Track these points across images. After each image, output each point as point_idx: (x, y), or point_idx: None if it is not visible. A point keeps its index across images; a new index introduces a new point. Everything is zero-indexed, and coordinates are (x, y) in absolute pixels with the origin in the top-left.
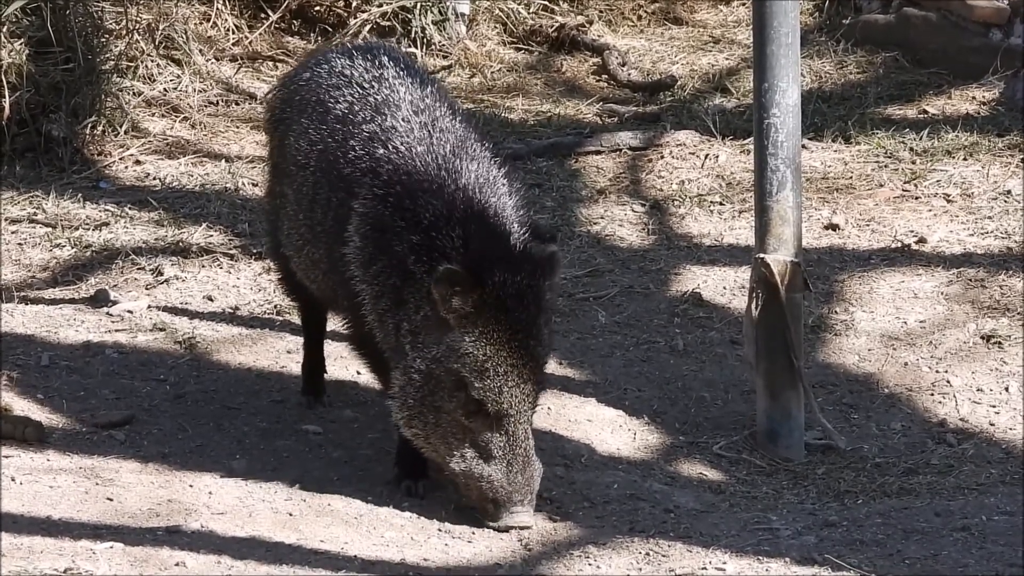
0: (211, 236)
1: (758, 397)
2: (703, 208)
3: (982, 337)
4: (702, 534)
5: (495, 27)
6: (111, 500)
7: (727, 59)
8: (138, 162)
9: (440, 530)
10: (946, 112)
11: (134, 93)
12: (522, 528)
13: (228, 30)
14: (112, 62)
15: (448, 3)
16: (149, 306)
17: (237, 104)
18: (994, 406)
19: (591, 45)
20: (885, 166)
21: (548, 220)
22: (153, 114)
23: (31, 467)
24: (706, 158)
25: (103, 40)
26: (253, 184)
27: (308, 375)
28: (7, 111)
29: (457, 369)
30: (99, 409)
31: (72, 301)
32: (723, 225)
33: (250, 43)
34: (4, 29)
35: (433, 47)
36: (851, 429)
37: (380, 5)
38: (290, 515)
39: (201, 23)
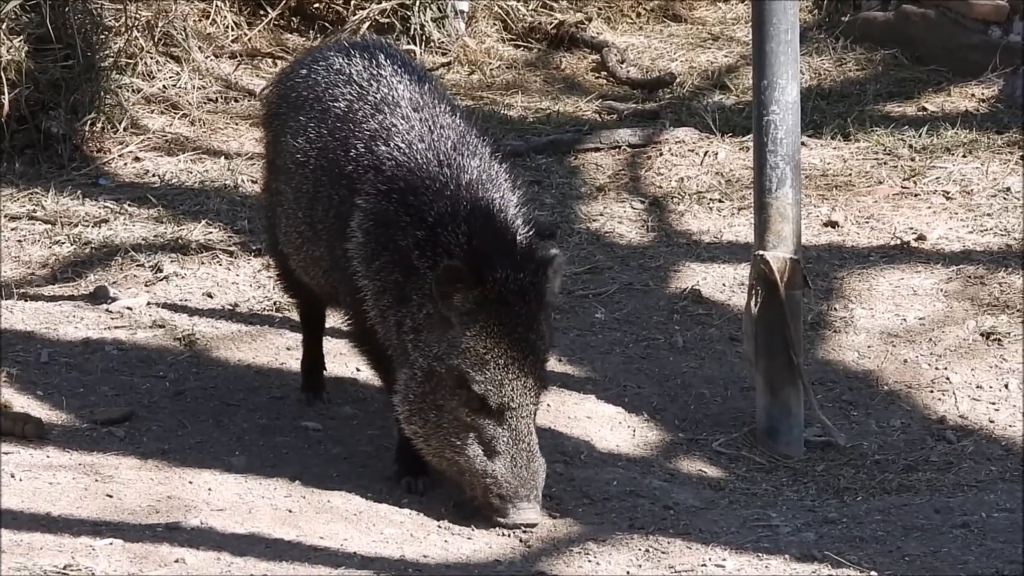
0: (210, 233)
1: (757, 394)
2: (702, 205)
3: (982, 334)
4: (701, 531)
5: (494, 24)
6: (111, 496)
7: (726, 56)
8: (137, 159)
9: (440, 527)
10: (945, 109)
11: (133, 90)
12: (528, 525)
13: (227, 27)
14: (111, 59)
15: (447, 0)
16: (148, 303)
17: (236, 101)
18: (994, 403)
19: (590, 42)
20: (884, 163)
21: (548, 217)
22: (152, 111)
23: (31, 463)
24: (705, 155)
25: (102, 37)
26: (252, 181)
27: (307, 372)
28: (6, 108)
29: (458, 365)
30: (99, 406)
31: (71, 298)
32: (722, 222)
33: (249, 40)
34: (3, 26)
35: (432, 44)
36: (851, 426)
37: (379, 2)
38: (290, 511)
39: (200, 20)
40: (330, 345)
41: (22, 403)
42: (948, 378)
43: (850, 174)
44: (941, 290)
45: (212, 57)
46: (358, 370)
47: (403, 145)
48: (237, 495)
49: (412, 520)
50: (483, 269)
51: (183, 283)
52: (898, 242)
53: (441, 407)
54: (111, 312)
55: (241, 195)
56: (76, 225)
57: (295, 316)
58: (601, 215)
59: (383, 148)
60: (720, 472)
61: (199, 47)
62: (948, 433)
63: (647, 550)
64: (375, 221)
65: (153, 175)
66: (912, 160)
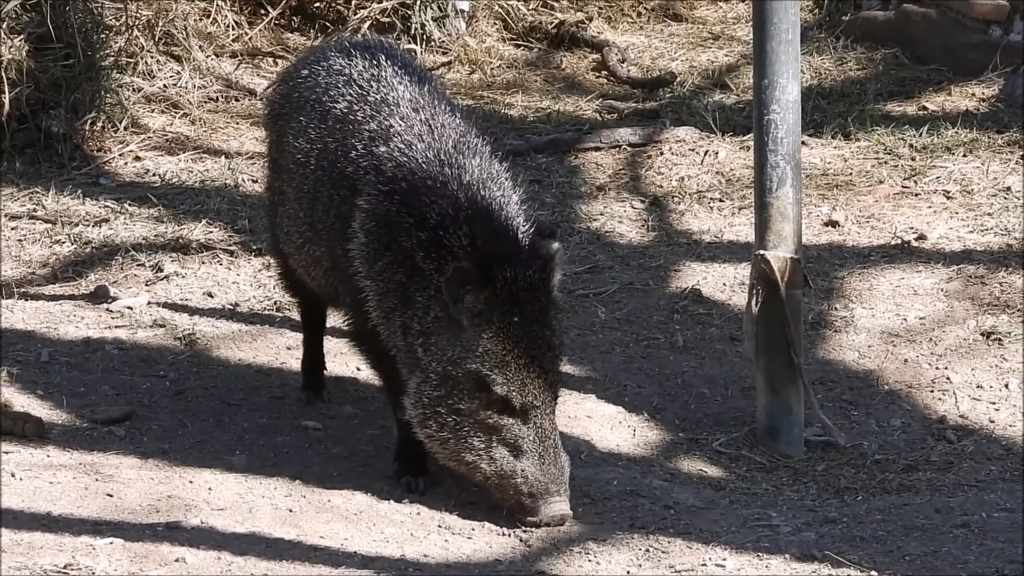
0: (211, 232)
1: (758, 393)
2: (703, 204)
3: (982, 334)
4: (702, 530)
5: (495, 23)
6: (111, 496)
7: (727, 55)
8: (138, 158)
9: (440, 526)
10: (946, 109)
11: (134, 89)
12: (563, 518)
13: (228, 26)
14: (112, 58)
15: None
16: (149, 302)
17: (237, 100)
18: (994, 403)
19: (591, 42)
20: (885, 163)
21: (548, 216)
22: (153, 110)
23: (31, 463)
24: (706, 154)
25: (103, 36)
26: (253, 180)
27: (308, 371)
28: (7, 107)
29: (476, 368)
30: (99, 405)
31: (72, 297)
32: (723, 221)
33: (250, 39)
34: (4, 25)
35: (433, 43)
36: (851, 426)
37: (380, 1)
38: (290, 511)
39: (201, 19)
40: (330, 344)
41: (22, 402)
42: (948, 378)
43: (851, 173)
44: (942, 290)
45: (213, 56)
46: (358, 369)
47: (404, 145)
48: (237, 494)
49: (412, 519)
50: (492, 269)
51: (184, 282)
52: (899, 242)
53: (460, 411)
54: (111, 311)
55: (242, 194)
56: (76, 224)
57: (295, 316)
58: (601, 214)
59: (383, 148)
60: (720, 472)
61: (200, 46)
62: (948, 433)
63: (647, 550)
64: (377, 222)
65: (154, 174)
66: (913, 159)
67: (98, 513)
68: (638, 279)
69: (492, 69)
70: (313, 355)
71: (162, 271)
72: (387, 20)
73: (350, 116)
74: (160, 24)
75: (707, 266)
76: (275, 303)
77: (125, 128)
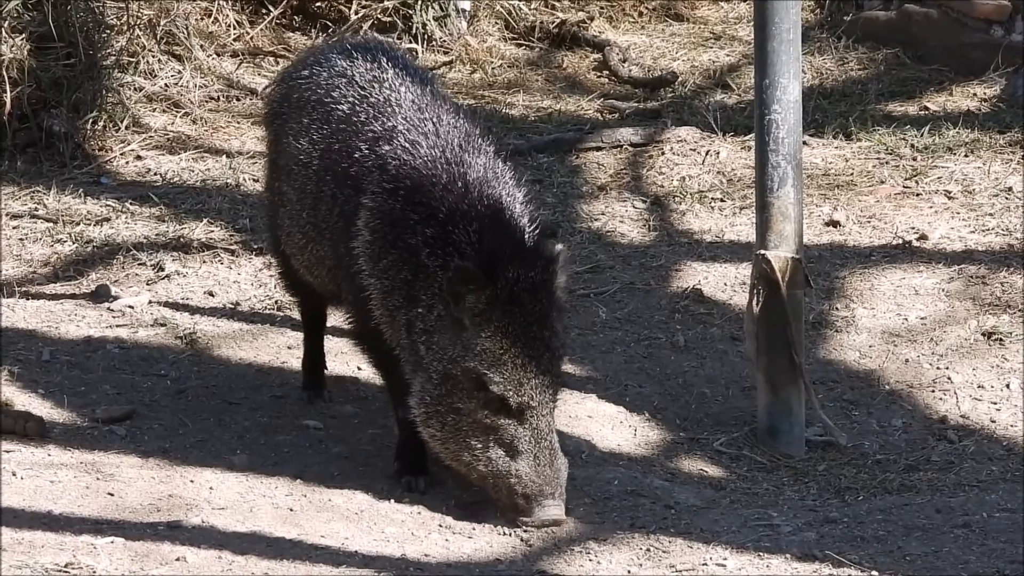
0: (212, 232)
1: (759, 393)
2: (704, 204)
3: (983, 334)
4: (703, 530)
5: (496, 23)
6: (112, 495)
7: (728, 55)
8: (139, 157)
9: (441, 526)
10: (947, 109)
11: (135, 88)
12: (556, 522)
13: (229, 26)
14: (113, 57)
15: None
16: (150, 301)
17: (238, 100)
18: (995, 403)
19: (592, 41)
20: (886, 163)
21: (549, 216)
22: (154, 109)
23: (32, 462)
24: (707, 154)
25: (104, 35)
26: (254, 180)
27: (309, 370)
28: (8, 106)
29: (474, 367)
30: (100, 404)
31: (73, 296)
32: (724, 221)
33: (251, 39)
34: (5, 24)
35: (434, 43)
36: (852, 426)
37: (381, 0)
38: (291, 510)
39: (202, 19)
40: (331, 344)
41: (23, 401)
42: (949, 378)
43: (852, 173)
44: (943, 290)
45: (214, 56)
46: (359, 368)
47: (408, 144)
48: (238, 494)
49: (413, 519)
50: (495, 269)
51: (184, 282)
52: (900, 242)
53: (459, 410)
54: (113, 311)
55: (243, 194)
56: (78, 223)
57: (296, 315)
58: (603, 214)
59: (387, 147)
60: (721, 471)
61: (201, 45)
62: (949, 433)
63: (648, 549)
64: (382, 219)
65: (155, 174)
66: (914, 160)
67: (99, 512)
68: (639, 279)
69: (493, 69)
70: (314, 354)
71: (163, 270)
72: (388, 19)
73: (353, 117)
74: (161, 23)
75: (708, 266)
76: (276, 302)
77: (126, 127)
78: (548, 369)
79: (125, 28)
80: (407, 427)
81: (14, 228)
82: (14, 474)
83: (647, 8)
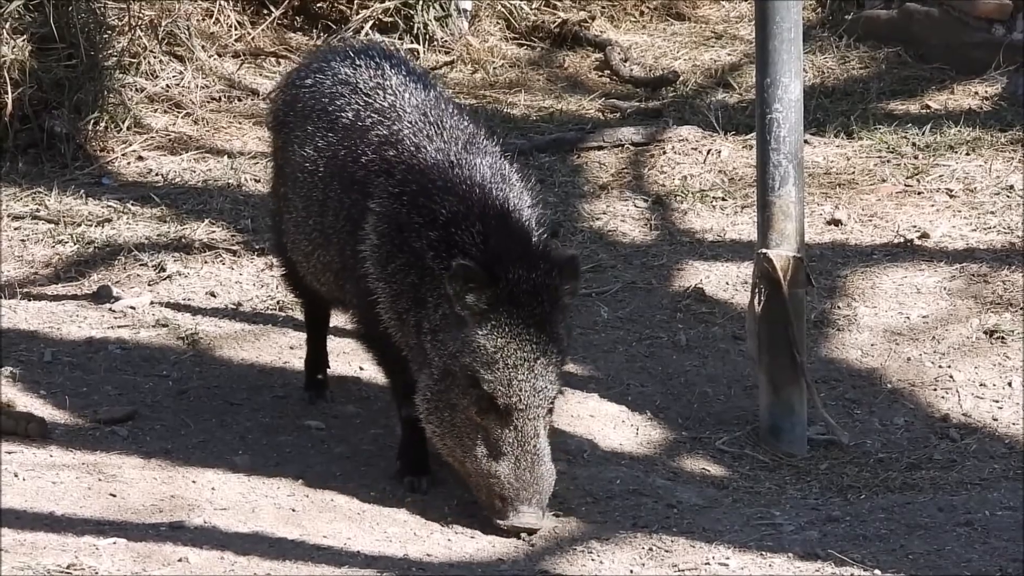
0: (214, 232)
1: (761, 392)
2: (705, 203)
3: (985, 332)
4: (705, 529)
5: (497, 23)
6: (114, 496)
7: (729, 55)
8: (140, 158)
9: (443, 526)
10: (948, 107)
11: (137, 89)
12: (528, 531)
13: (230, 26)
14: (115, 58)
15: None
16: (152, 302)
17: (239, 100)
18: (997, 401)
19: (593, 41)
20: (888, 161)
21: (551, 216)
22: (156, 110)
23: (34, 463)
24: (708, 153)
25: (106, 36)
26: (255, 180)
27: (311, 370)
28: (10, 107)
29: (469, 363)
30: (102, 405)
31: (75, 297)
32: (725, 220)
33: (252, 39)
34: (7, 25)
35: (435, 43)
36: (854, 424)
37: (382, 1)
38: (293, 511)
39: (203, 19)
40: (333, 344)
41: (25, 402)
42: (951, 376)
43: (853, 172)
44: (944, 288)
45: (215, 56)
46: (361, 368)
47: (413, 148)
48: (240, 494)
49: (415, 519)
50: (496, 268)
51: (186, 282)
52: (901, 240)
53: (454, 406)
54: (114, 311)
55: (244, 194)
56: (79, 224)
57: (298, 315)
58: (604, 213)
59: (392, 152)
60: (723, 471)
61: (202, 46)
62: (951, 431)
63: (650, 549)
64: (389, 223)
65: (156, 174)
66: (915, 158)
67: (101, 513)
68: (641, 278)
69: (495, 68)
70: (316, 354)
71: (165, 271)
72: (390, 19)
73: (358, 123)
74: (163, 24)
75: (710, 265)
76: (278, 303)
77: (128, 128)
78: (542, 373)
79: (126, 29)
80: (410, 427)
81: (16, 229)
82: (16, 475)
83: (648, 7)
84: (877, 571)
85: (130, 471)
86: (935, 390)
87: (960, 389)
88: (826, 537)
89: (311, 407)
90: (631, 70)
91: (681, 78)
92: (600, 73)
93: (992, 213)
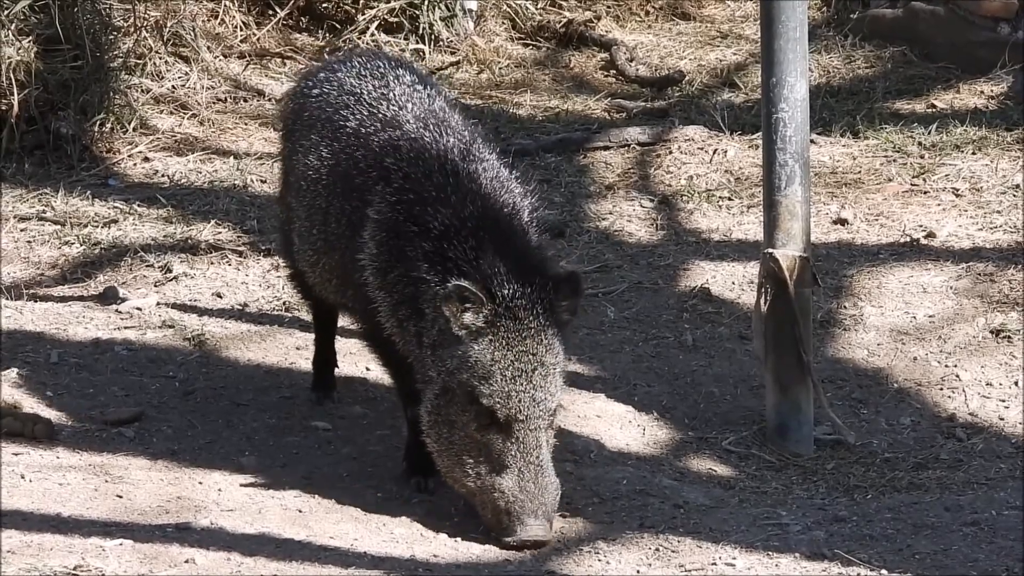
0: (220, 233)
1: (767, 392)
2: (712, 203)
3: (991, 331)
4: (711, 529)
5: (503, 23)
6: (121, 497)
7: (735, 54)
8: (147, 159)
9: (450, 526)
10: (954, 106)
11: (142, 90)
12: (537, 544)
13: (236, 27)
14: (120, 59)
15: None
16: (158, 303)
17: (245, 101)
18: (1003, 400)
19: (599, 41)
20: (894, 161)
21: (557, 216)
22: (161, 111)
23: (40, 464)
24: (714, 153)
25: (111, 37)
26: (262, 181)
27: (318, 371)
28: (16, 109)
29: (467, 379)
30: (108, 406)
31: (81, 298)
32: (732, 220)
33: (258, 40)
34: (12, 27)
35: (441, 43)
36: (860, 424)
37: (388, 1)
38: (299, 511)
39: (209, 20)
40: (340, 344)
41: (32, 404)
42: (958, 375)
43: (859, 171)
44: (951, 287)
45: (221, 57)
46: (368, 369)
47: (413, 156)
48: (247, 495)
49: (422, 520)
50: (492, 286)
51: (192, 283)
52: (907, 239)
53: (453, 423)
54: (121, 312)
55: (250, 195)
56: (85, 226)
57: (305, 316)
58: (610, 213)
59: (391, 160)
60: (730, 470)
61: (208, 47)
62: (958, 431)
63: (657, 549)
64: (387, 232)
65: (162, 175)
66: (921, 157)
67: (108, 514)
68: (647, 278)
69: (500, 68)
70: (324, 355)
71: (171, 272)
72: (395, 20)
73: (361, 130)
74: (168, 25)
75: (716, 265)
76: (284, 303)
77: (134, 129)
78: (541, 385)
79: (132, 30)
80: (416, 428)
81: (22, 230)
82: (23, 477)
83: (654, 7)
84: (884, 571)
85: (137, 472)
86: (941, 390)
87: (966, 388)
88: (833, 537)
89: (317, 408)
90: (637, 70)
91: (687, 78)
92: (606, 73)
93: (998, 212)
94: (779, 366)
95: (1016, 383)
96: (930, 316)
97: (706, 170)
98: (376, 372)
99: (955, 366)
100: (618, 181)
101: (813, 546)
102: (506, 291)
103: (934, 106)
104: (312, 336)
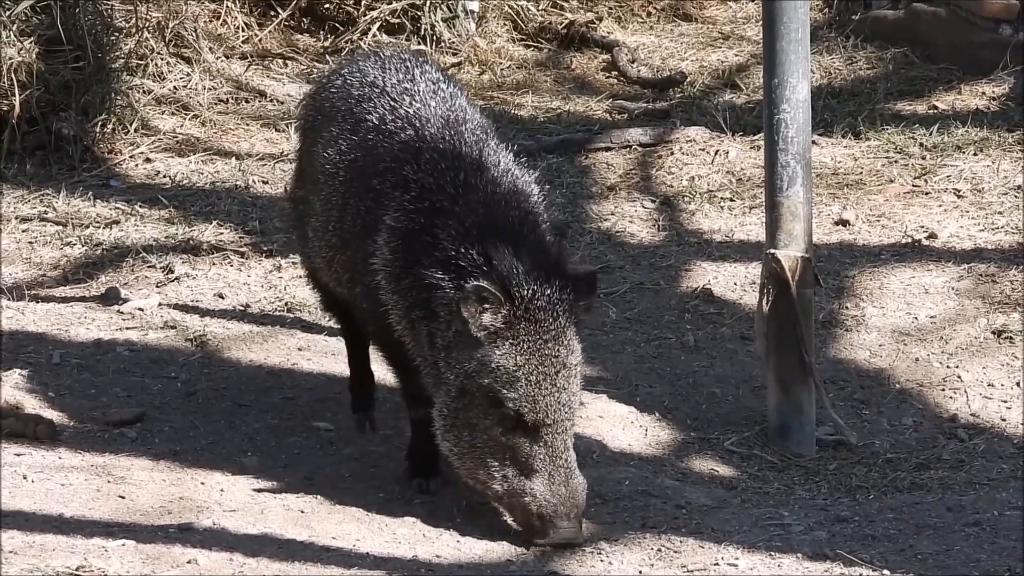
0: (221, 234)
1: (769, 393)
2: (713, 204)
3: (993, 332)
4: (714, 530)
5: (505, 24)
6: (123, 498)
7: (736, 55)
8: (148, 160)
9: (452, 527)
10: (956, 107)
11: (144, 91)
12: (570, 544)
13: (238, 28)
14: (122, 60)
15: (458, 0)
16: (160, 304)
17: (247, 102)
18: (1005, 401)
19: (601, 42)
20: (895, 162)
21: (559, 217)
22: (163, 112)
23: (43, 465)
24: (716, 154)
25: (113, 38)
26: (263, 182)
27: (358, 392)
28: (17, 110)
29: (489, 384)
30: (110, 407)
31: (83, 299)
32: (733, 221)
33: (260, 41)
34: (14, 27)
35: (443, 44)
36: (862, 424)
37: (390, 2)
38: (302, 512)
39: (211, 21)
40: (340, 345)
41: (34, 405)
42: (960, 376)
43: (861, 172)
44: (952, 288)
45: (223, 58)
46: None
47: (430, 160)
48: (249, 496)
49: (424, 520)
50: (511, 287)
51: (194, 284)
52: (909, 240)
53: (474, 426)
54: (122, 313)
55: (252, 196)
56: (87, 226)
57: (306, 316)
58: (612, 214)
59: (410, 166)
60: (732, 471)
61: (210, 48)
62: (960, 431)
63: (659, 549)
64: (402, 239)
65: (164, 176)
66: (923, 158)
67: (110, 515)
68: (649, 279)
69: (502, 70)
70: (361, 375)
71: (173, 272)
72: (397, 21)
73: (382, 126)
74: (170, 26)
75: (718, 265)
76: (286, 304)
77: (135, 130)
78: (565, 387)
79: (134, 31)
80: (419, 428)
81: (23, 231)
82: (25, 477)
83: (655, 8)
84: (886, 571)
85: (139, 473)
86: (943, 390)
87: (968, 389)
88: (835, 537)
89: (319, 408)
90: (638, 71)
91: (688, 79)
92: (607, 74)
93: (1000, 213)
94: (781, 367)
95: (1018, 384)
96: (932, 317)
97: (708, 171)
98: (378, 373)
99: (957, 367)
100: (620, 182)
101: (815, 546)
102: (525, 292)
103: (935, 107)
104: (312, 336)
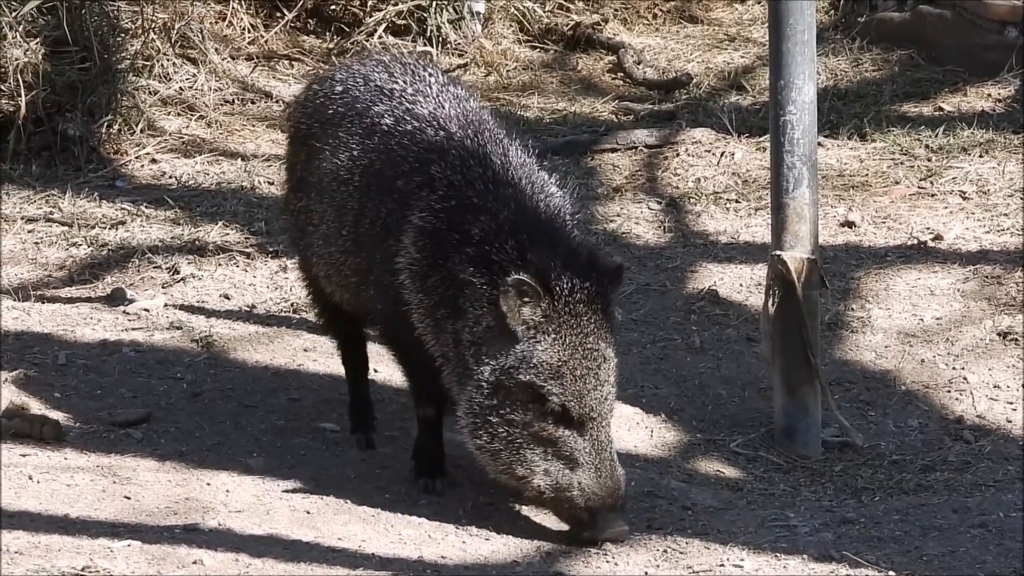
0: (227, 234)
1: (775, 394)
2: (719, 206)
3: (999, 334)
4: (719, 531)
5: (510, 25)
6: (129, 498)
7: (743, 57)
8: (154, 161)
9: (458, 528)
10: (961, 109)
11: (150, 92)
12: (620, 535)
13: (244, 29)
14: (128, 61)
15: (463, 2)
16: (166, 304)
17: (253, 103)
18: (1011, 403)
19: (606, 43)
20: (901, 163)
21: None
22: (169, 113)
23: (49, 465)
24: (722, 156)
25: (119, 39)
26: (269, 182)
27: (357, 413)
28: (23, 110)
29: (531, 380)
30: (116, 407)
31: (89, 300)
32: (739, 223)
33: (266, 42)
34: (20, 28)
35: (449, 46)
36: (868, 426)
37: (396, 4)
38: (307, 513)
39: (217, 22)
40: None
41: (40, 405)
42: (965, 378)
43: (867, 174)
44: (958, 290)
45: (228, 59)
46: (375, 371)
47: (456, 160)
48: (255, 496)
49: (430, 521)
50: (550, 280)
51: (200, 284)
52: (915, 242)
53: (513, 422)
54: (128, 314)
55: (258, 196)
56: (93, 227)
57: (312, 317)
58: (618, 216)
59: (436, 166)
60: (738, 472)
61: (216, 49)
62: (965, 433)
63: (665, 550)
64: (430, 238)
65: (170, 177)
66: (929, 160)
67: (116, 515)
68: (655, 280)
69: (508, 71)
70: (359, 398)
71: (179, 273)
72: (403, 22)
73: (398, 128)
74: (176, 27)
75: (724, 267)
76: (292, 305)
77: (141, 131)
78: (606, 379)
79: (140, 32)
80: (426, 427)
81: (29, 232)
82: (31, 478)
83: (661, 10)
84: (891, 573)
85: (145, 473)
86: (949, 392)
87: (974, 391)
88: (840, 539)
89: (326, 409)
90: (644, 72)
91: (694, 80)
92: (613, 75)
93: (1005, 215)
94: (787, 368)
95: (1023, 385)
96: (937, 318)
97: (714, 172)
98: (383, 374)
99: (962, 368)
100: (625, 183)
101: (821, 548)
102: (564, 285)
103: (941, 109)
104: (318, 337)
